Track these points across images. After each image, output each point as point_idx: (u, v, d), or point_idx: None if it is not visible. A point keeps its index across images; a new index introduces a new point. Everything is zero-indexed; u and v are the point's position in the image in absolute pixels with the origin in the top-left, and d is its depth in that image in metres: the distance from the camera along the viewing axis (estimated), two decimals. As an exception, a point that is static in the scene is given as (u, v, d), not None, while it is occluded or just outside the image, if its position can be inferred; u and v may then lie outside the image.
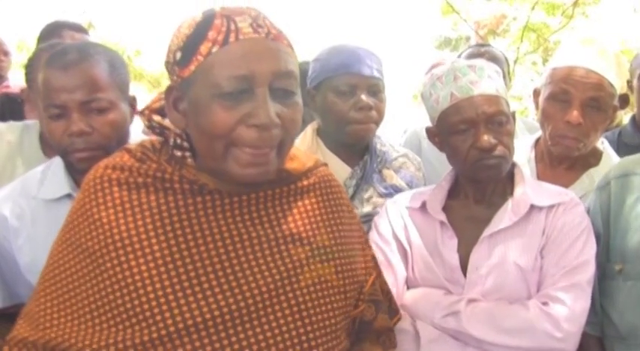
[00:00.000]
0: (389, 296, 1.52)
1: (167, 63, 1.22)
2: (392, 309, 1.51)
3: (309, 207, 1.31)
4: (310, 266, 1.24)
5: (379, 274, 1.48)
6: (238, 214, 1.22)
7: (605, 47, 1.94)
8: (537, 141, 2.13)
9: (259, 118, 1.11)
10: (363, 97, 2.00)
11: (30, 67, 2.13)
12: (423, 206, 1.78)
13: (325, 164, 1.45)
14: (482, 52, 2.95)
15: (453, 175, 1.81)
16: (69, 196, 1.63)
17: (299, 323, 1.20)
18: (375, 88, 2.04)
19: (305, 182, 1.34)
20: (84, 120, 1.55)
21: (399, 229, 1.79)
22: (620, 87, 1.99)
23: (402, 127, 3.46)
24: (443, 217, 1.73)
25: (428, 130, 1.80)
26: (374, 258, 1.47)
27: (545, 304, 1.59)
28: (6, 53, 4.42)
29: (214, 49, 1.12)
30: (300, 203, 1.31)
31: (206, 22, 1.15)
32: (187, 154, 1.24)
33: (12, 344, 1.20)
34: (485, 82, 1.69)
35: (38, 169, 1.75)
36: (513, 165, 1.77)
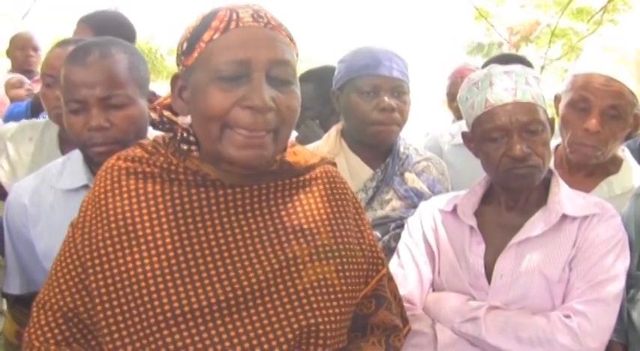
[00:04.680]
0: (400, 303, 1.50)
1: (177, 56, 1.27)
2: (403, 318, 1.48)
3: (311, 201, 1.32)
4: (311, 263, 1.25)
5: (390, 277, 1.47)
6: (240, 206, 1.25)
7: (626, 55, 1.90)
8: (557, 147, 2.09)
9: (253, 101, 1.15)
10: (386, 98, 1.98)
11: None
12: (455, 210, 1.76)
13: (333, 162, 1.45)
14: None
15: (488, 180, 1.78)
16: (86, 187, 1.66)
17: (298, 310, 1.20)
18: (398, 90, 2.02)
19: (308, 176, 1.35)
20: (103, 115, 1.58)
21: (430, 231, 1.78)
22: None
23: (425, 130, 3.44)
24: (473, 222, 1.71)
25: (464, 135, 1.78)
26: (382, 257, 1.45)
27: (567, 316, 1.55)
28: (35, 49, 4.50)
29: (215, 36, 1.18)
30: (302, 196, 1.32)
31: (211, 14, 1.22)
32: (193, 147, 1.27)
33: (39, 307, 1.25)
34: (521, 89, 1.65)
35: (59, 160, 1.79)
36: (551, 172, 1.73)
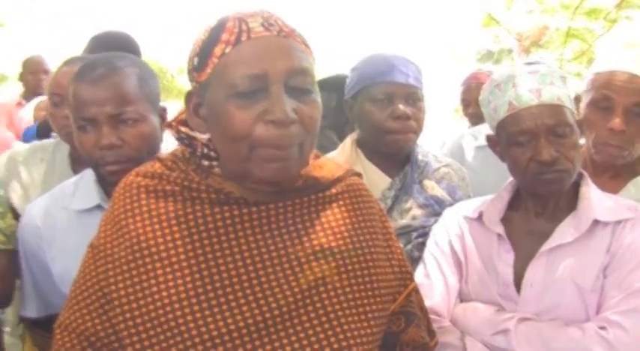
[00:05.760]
0: (427, 316, 1.45)
1: (188, 72, 1.22)
2: (430, 330, 1.44)
3: (338, 216, 1.28)
4: (340, 283, 1.21)
5: (417, 289, 1.43)
6: (266, 224, 1.20)
7: (649, 50, 1.86)
8: (581, 149, 2.05)
9: (275, 114, 1.10)
10: (401, 105, 1.95)
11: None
12: (481, 217, 1.70)
13: (358, 174, 1.40)
14: None
15: (514, 184, 1.72)
16: (99, 207, 1.63)
17: (329, 333, 1.16)
18: (413, 97, 1.98)
19: (334, 191, 1.30)
20: (114, 133, 1.55)
21: (456, 239, 1.73)
22: None
23: (441, 139, 3.40)
24: (500, 229, 1.66)
25: (489, 138, 1.73)
26: (410, 271, 1.41)
27: (602, 328, 1.48)
28: (46, 72, 4.56)
29: (227, 50, 1.13)
30: (328, 212, 1.27)
31: (219, 26, 1.17)
32: (214, 163, 1.23)
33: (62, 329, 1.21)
34: (546, 90, 1.58)
35: (71, 180, 1.76)
36: (581, 176, 1.67)
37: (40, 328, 1.73)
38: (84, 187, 1.69)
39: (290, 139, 1.12)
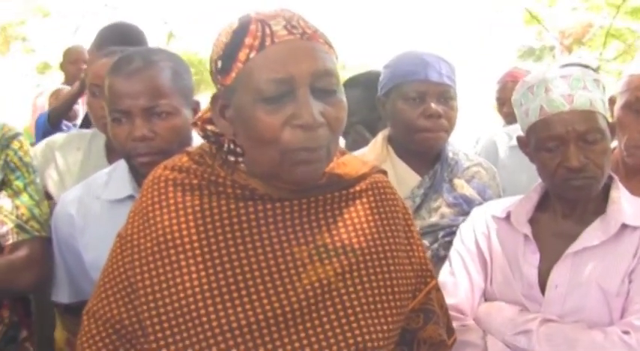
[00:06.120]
0: (447, 313, 1.46)
1: (211, 72, 1.23)
2: (449, 328, 1.44)
3: (361, 213, 1.29)
4: (360, 279, 1.22)
5: (437, 287, 1.43)
6: (289, 219, 1.22)
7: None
8: (613, 151, 2.02)
9: (303, 118, 1.11)
10: (433, 104, 1.94)
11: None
12: (509, 217, 1.70)
13: (383, 171, 1.41)
14: None
15: (544, 186, 1.71)
16: (131, 197, 1.66)
17: (346, 328, 1.18)
18: (445, 95, 1.97)
19: (357, 188, 1.31)
20: (147, 125, 1.58)
21: (482, 238, 1.73)
22: None
23: (476, 137, 3.38)
24: (527, 230, 1.65)
25: (519, 139, 1.72)
26: (430, 269, 1.42)
27: (626, 332, 1.47)
28: (86, 62, 4.62)
29: (252, 55, 1.13)
30: (351, 209, 1.28)
31: (242, 29, 1.16)
32: (240, 159, 1.24)
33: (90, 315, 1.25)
34: (579, 95, 1.56)
35: (104, 170, 1.81)
36: (611, 179, 1.66)
37: (72, 313, 1.78)
38: (117, 177, 1.73)
39: (318, 141, 1.13)
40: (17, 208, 1.73)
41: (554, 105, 1.56)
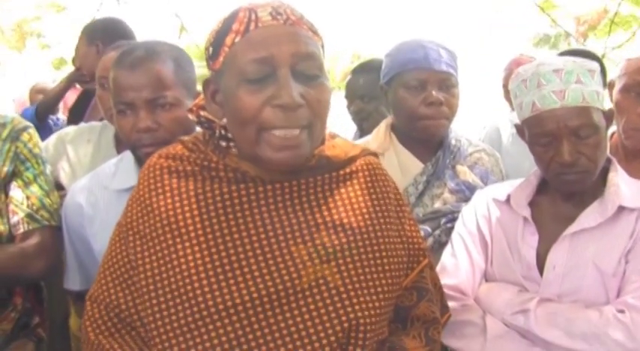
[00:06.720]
0: (440, 291, 1.49)
1: (206, 60, 1.28)
2: (443, 305, 1.48)
3: (352, 194, 1.32)
4: (351, 258, 1.25)
5: (431, 266, 1.46)
6: (281, 201, 1.26)
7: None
8: (612, 135, 2.03)
9: (282, 98, 1.15)
10: (434, 92, 1.96)
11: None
12: (509, 200, 1.73)
13: (374, 153, 1.44)
14: None
15: None
16: None
17: (338, 305, 1.21)
18: (446, 83, 1.99)
19: (348, 170, 1.34)
20: (150, 117, 1.62)
21: (483, 220, 1.76)
22: None
23: (482, 123, 3.38)
24: (527, 212, 1.67)
25: (517, 128, 1.73)
26: (423, 248, 1.44)
27: (621, 311, 1.50)
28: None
29: (237, 39, 1.19)
30: (342, 190, 1.32)
31: (231, 16, 1.23)
32: (231, 144, 1.28)
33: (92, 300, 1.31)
34: (571, 90, 1.54)
35: (112, 161, 1.85)
36: (609, 161, 1.67)
37: (83, 301, 1.82)
38: (123, 168, 1.77)
39: (296, 121, 1.17)
40: (28, 198, 1.77)
41: (546, 102, 1.56)
